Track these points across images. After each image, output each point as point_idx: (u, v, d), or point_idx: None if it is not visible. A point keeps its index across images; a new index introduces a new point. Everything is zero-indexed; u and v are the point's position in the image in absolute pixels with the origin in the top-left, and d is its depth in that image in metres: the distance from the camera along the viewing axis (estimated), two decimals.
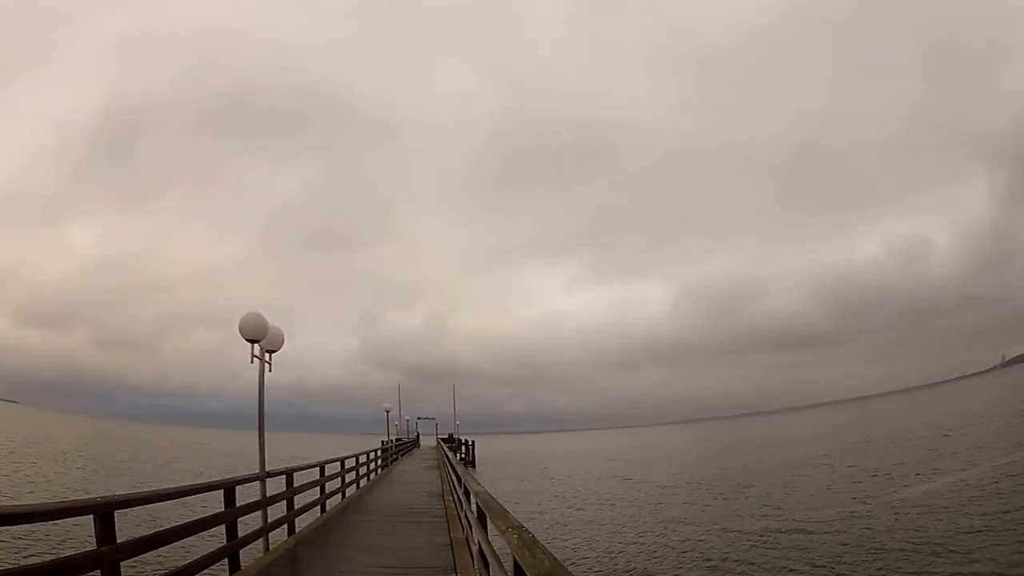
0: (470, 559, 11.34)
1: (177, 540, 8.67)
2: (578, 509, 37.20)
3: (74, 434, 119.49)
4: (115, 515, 7.08)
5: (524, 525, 5.66)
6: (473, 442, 78.12)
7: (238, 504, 11.39)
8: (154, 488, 9.75)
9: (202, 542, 11.48)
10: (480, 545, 8.67)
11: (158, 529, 8.44)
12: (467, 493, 12.39)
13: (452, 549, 12.61)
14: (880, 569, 19.35)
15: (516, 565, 5.08)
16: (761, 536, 25.20)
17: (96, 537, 6.93)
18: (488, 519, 8.03)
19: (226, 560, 10.48)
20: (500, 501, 8.17)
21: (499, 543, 7.24)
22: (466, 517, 12.62)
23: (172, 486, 9.76)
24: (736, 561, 21.78)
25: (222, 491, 10.84)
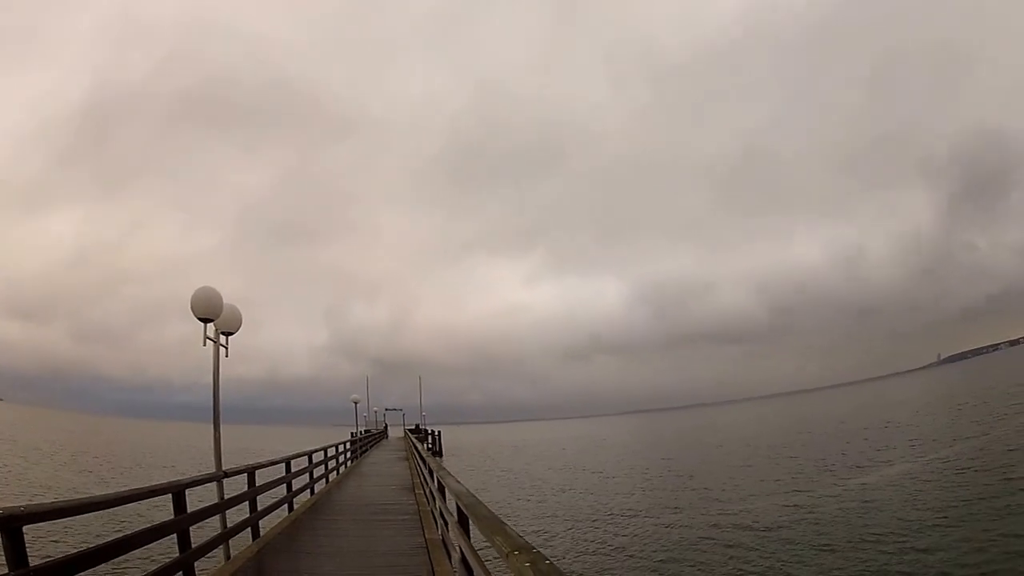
0: (448, 564, 9.92)
1: (111, 558, 6.92)
2: (532, 499, 36.49)
3: (54, 431, 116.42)
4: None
5: (534, 546, 4.20)
6: (439, 432, 77.02)
7: (196, 508, 9.74)
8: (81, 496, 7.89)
9: (150, 553, 9.86)
10: (463, 553, 7.33)
11: (85, 547, 6.71)
12: (441, 489, 11.27)
13: (428, 553, 11.09)
14: (821, 565, 18.35)
15: None
16: (704, 530, 24.31)
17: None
18: (471, 524, 7.26)
19: (180, 574, 8.66)
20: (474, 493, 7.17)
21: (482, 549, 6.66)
22: (442, 516, 11.20)
23: (109, 492, 7.88)
24: (677, 557, 20.68)
25: (170, 495, 8.93)
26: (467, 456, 75.35)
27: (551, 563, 3.71)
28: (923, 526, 21.08)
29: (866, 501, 26.17)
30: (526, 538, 4.30)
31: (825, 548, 19.60)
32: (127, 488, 8.14)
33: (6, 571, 5.26)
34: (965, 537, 19.15)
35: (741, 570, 18.22)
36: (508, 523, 5.26)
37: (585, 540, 23.67)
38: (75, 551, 6.49)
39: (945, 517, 21.88)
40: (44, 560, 5.90)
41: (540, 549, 4.15)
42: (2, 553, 5.32)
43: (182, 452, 72.52)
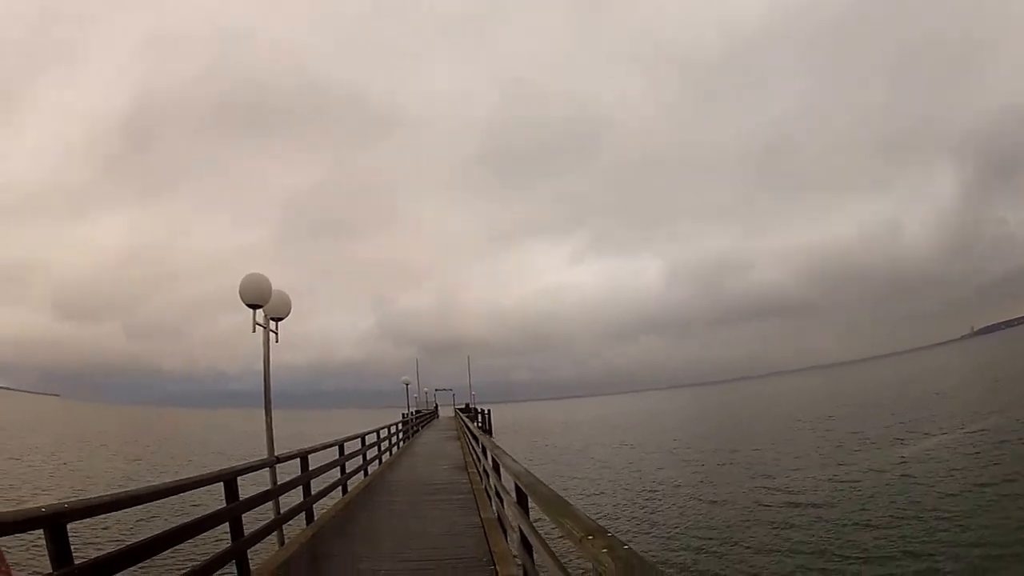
0: (505, 543, 9.65)
1: (162, 550, 6.63)
2: (579, 476, 35.70)
3: (108, 424, 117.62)
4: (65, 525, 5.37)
5: (608, 529, 3.87)
6: (488, 411, 76.66)
7: (249, 495, 9.43)
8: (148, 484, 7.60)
9: (203, 543, 9.61)
10: (522, 533, 7.07)
11: (134, 541, 6.39)
12: (496, 468, 11.04)
13: (485, 532, 10.73)
14: (859, 542, 17.45)
15: None
16: (747, 505, 23.63)
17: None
18: (530, 504, 6.99)
19: (234, 563, 8.38)
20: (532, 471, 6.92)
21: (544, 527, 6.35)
22: (497, 494, 10.89)
23: (160, 483, 7.60)
24: (722, 533, 20.01)
25: (222, 483, 8.60)
26: (516, 434, 74.97)
27: (629, 548, 3.41)
28: (962, 500, 20.23)
29: (905, 475, 25.32)
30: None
31: (865, 524, 18.85)
32: (178, 478, 7.84)
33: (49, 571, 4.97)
34: (1004, 512, 18.28)
35: (783, 547, 17.53)
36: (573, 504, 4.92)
37: (632, 517, 23.17)
38: (125, 545, 6.22)
39: (984, 491, 21.02)
40: (94, 556, 5.60)
41: (614, 533, 3.81)
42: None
43: (234, 439, 72.29)
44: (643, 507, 24.76)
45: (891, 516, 19.41)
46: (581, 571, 12.66)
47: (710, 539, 19.10)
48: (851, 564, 15.50)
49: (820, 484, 25.57)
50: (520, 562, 7.81)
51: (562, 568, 5.08)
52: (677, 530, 20.63)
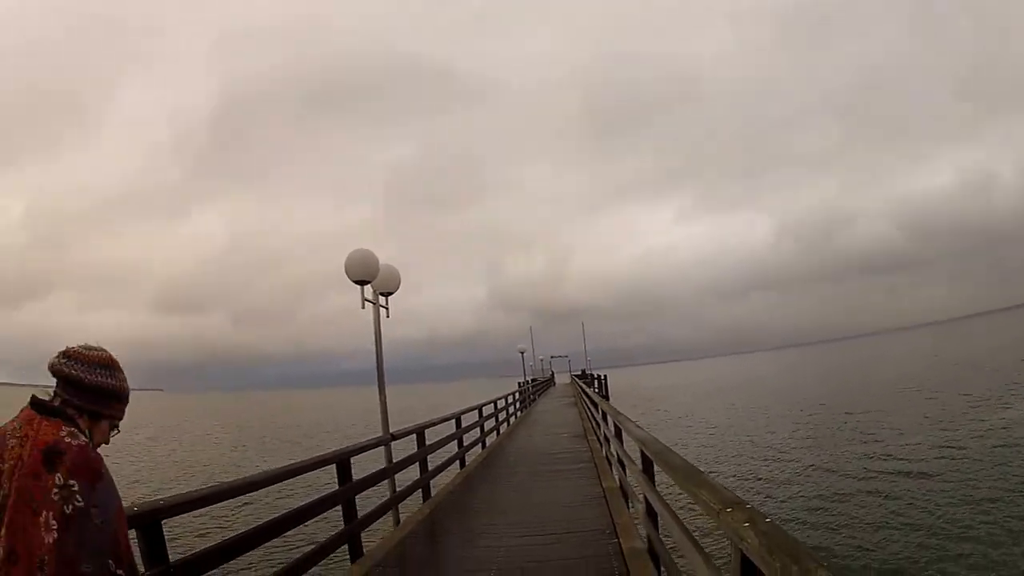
0: (628, 513, 9.19)
1: (270, 538, 6.37)
2: (694, 440, 34.44)
3: (215, 413, 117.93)
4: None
5: (747, 501, 3.49)
6: (605, 376, 75.88)
7: (363, 474, 9.14)
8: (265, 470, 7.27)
9: (313, 528, 9.35)
10: (648, 503, 6.73)
11: (232, 535, 6.16)
12: (618, 435, 10.57)
13: (607, 502, 10.19)
14: (960, 518, 15.73)
15: (744, 562, 3.17)
16: (856, 472, 21.90)
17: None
18: (656, 473, 6.70)
19: (346, 546, 8.10)
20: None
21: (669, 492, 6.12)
22: (619, 462, 10.44)
23: (268, 470, 7.30)
24: (834, 498, 18.77)
25: (335, 465, 8.34)
26: (632, 398, 73.66)
27: (771, 522, 3.06)
28: None
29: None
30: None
31: (982, 500, 16.95)
32: (290, 462, 7.50)
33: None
34: None
35: (894, 521, 15.94)
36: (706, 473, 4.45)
37: (744, 487, 21.81)
38: (232, 535, 5.97)
39: None
40: (201, 548, 5.34)
41: (754, 505, 3.40)
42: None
43: (348, 418, 72.10)
44: (756, 475, 23.51)
45: (998, 487, 17.73)
46: (709, 542, 11.99)
47: (820, 509, 17.81)
48: (963, 543, 14.11)
49: (930, 452, 23.66)
50: (644, 533, 7.37)
51: (692, 539, 4.68)
52: (790, 499, 19.34)
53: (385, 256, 11.26)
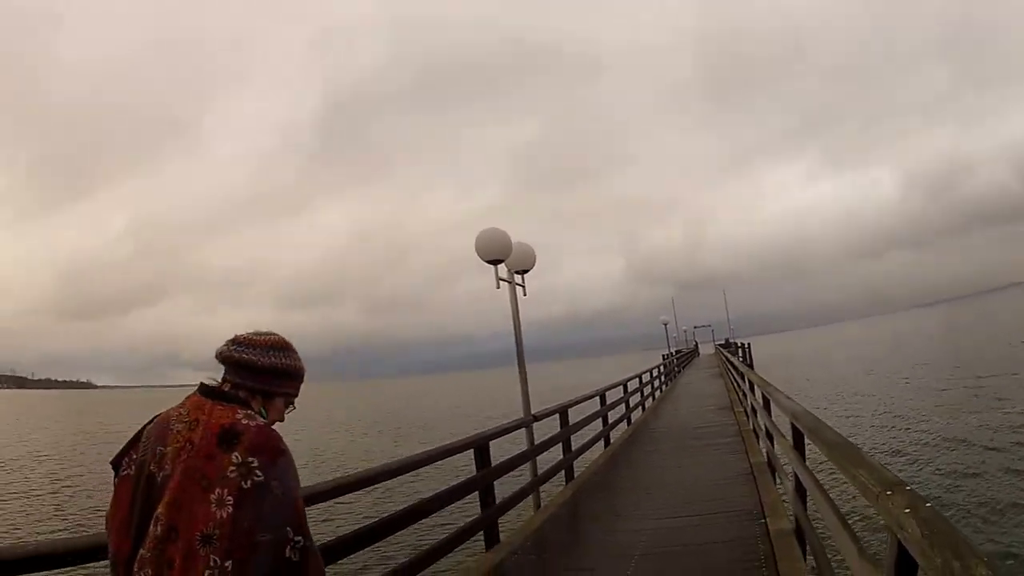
0: (775, 490, 8.58)
1: (400, 529, 6.06)
2: (835, 407, 32.18)
3: (352, 401, 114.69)
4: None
5: (908, 484, 3.01)
6: (748, 344, 73.57)
7: (501, 459, 8.67)
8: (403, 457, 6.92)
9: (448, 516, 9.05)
10: (798, 480, 6.20)
11: (376, 519, 5.93)
12: (766, 406, 9.88)
13: (754, 479, 9.60)
14: None
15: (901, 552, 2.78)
16: (1003, 446, 19.05)
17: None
18: (806, 443, 6.26)
19: (482, 532, 7.72)
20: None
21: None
22: (767, 435, 9.72)
23: (404, 457, 6.97)
24: (972, 475, 16.54)
25: (472, 450, 7.88)
26: (774, 367, 70.51)
27: (932, 507, 2.66)
28: None
29: None
30: None
31: None
32: (427, 448, 7.23)
33: None
34: None
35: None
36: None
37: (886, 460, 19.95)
38: (359, 526, 5.70)
39: None
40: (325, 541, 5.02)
41: (914, 488, 2.94)
42: None
43: (487, 400, 71.16)
44: (894, 448, 21.24)
45: None
46: (864, 525, 11.01)
47: (959, 488, 15.63)
48: None
49: None
50: (792, 512, 6.78)
51: (844, 523, 4.20)
52: (928, 475, 17.16)
53: (518, 235, 10.82)
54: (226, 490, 2.53)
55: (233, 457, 2.56)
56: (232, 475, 2.54)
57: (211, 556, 2.47)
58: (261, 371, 2.83)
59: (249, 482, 2.54)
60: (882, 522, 3.14)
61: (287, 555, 2.56)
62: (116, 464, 2.75)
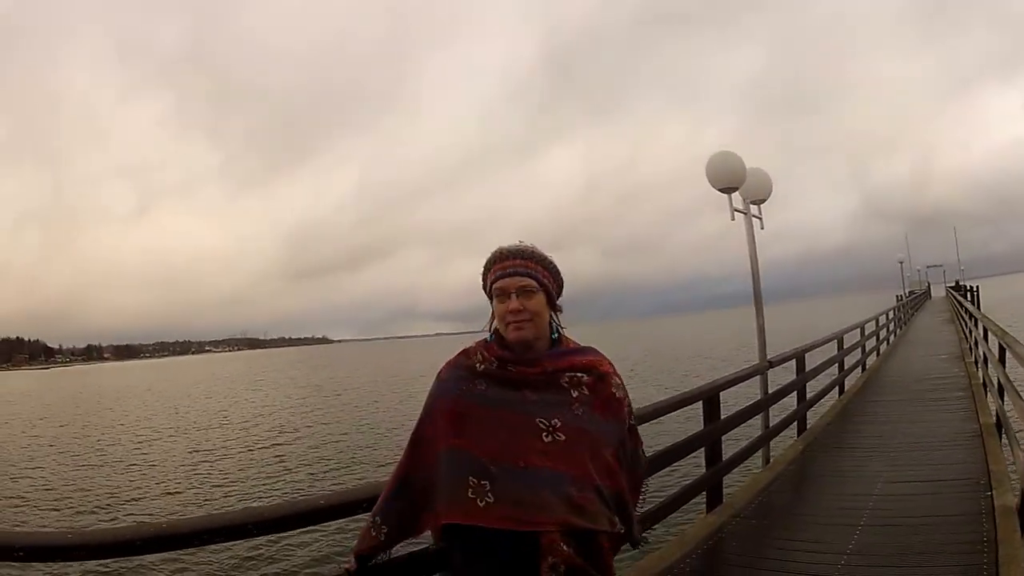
0: (1003, 458, 7.49)
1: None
2: None
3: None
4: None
5: None
6: (976, 287, 66.72)
7: (732, 411, 7.86)
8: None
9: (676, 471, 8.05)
10: None
11: None
12: (1002, 358, 9.26)
13: (983, 443, 8.42)
14: None
15: None
16: None
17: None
18: None
19: (704, 492, 6.97)
20: None
21: None
22: (999, 391, 8.91)
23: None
24: None
25: (700, 402, 6.88)
26: (1005, 313, 63.06)
27: None
28: None
29: None
30: None
31: None
32: (655, 401, 6.34)
33: None
34: None
35: None
36: None
37: None
38: None
39: None
40: None
41: None
42: None
43: (720, 343, 67.77)
44: None
45: None
46: None
47: None
48: None
49: None
50: (1020, 488, 5.79)
51: None
52: None
53: (752, 164, 9.31)
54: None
55: None
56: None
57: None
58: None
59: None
60: None
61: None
62: None
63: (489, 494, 2.47)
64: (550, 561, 2.41)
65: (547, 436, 2.52)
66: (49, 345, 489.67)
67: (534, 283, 2.63)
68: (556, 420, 2.54)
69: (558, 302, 2.76)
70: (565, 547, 2.42)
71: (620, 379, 2.79)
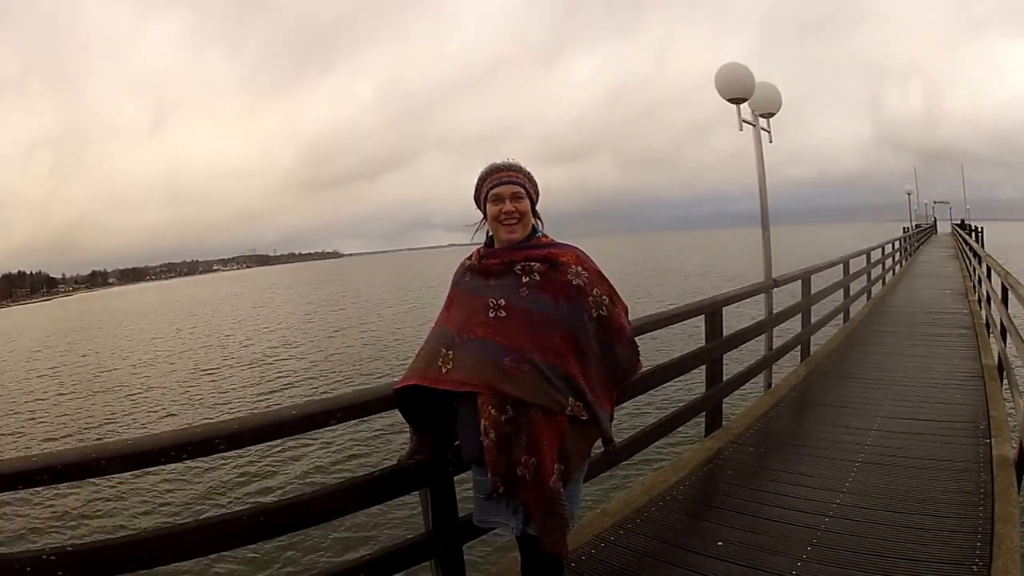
0: (1003, 404, 7.03)
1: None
2: None
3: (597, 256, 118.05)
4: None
5: None
6: (981, 228, 65.52)
7: (734, 329, 7.36)
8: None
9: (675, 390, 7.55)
10: None
11: None
12: (1004, 297, 9.13)
13: (984, 386, 7.92)
14: None
15: None
16: None
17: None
18: None
19: (703, 413, 6.59)
20: None
21: None
22: (1001, 331, 8.71)
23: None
24: None
25: (702, 316, 6.48)
26: (1009, 257, 61.90)
27: None
28: None
29: None
30: None
31: None
32: (658, 311, 6.03)
33: None
34: None
35: None
36: None
37: None
38: None
39: None
40: None
41: None
42: None
43: (728, 260, 66.91)
44: None
45: None
46: None
47: None
48: None
49: None
50: (1017, 437, 5.49)
51: None
52: None
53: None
54: None
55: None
56: None
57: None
58: None
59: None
60: None
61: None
62: None
63: (450, 362, 2.88)
64: (481, 423, 2.75)
65: (491, 312, 2.89)
66: (52, 276, 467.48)
67: (522, 190, 3.01)
68: (502, 300, 2.90)
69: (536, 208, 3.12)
70: (492, 410, 2.72)
71: (585, 269, 3.00)
